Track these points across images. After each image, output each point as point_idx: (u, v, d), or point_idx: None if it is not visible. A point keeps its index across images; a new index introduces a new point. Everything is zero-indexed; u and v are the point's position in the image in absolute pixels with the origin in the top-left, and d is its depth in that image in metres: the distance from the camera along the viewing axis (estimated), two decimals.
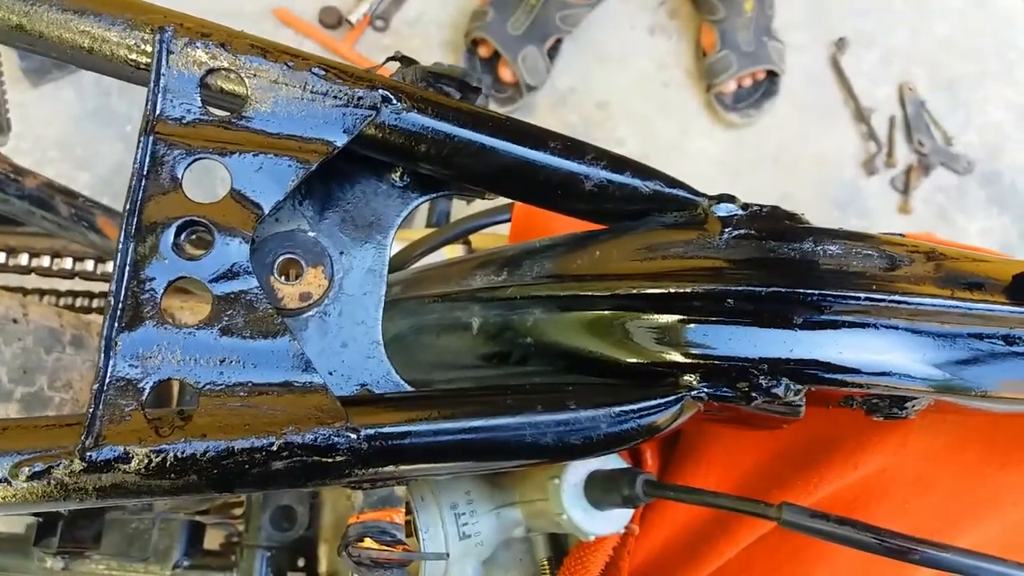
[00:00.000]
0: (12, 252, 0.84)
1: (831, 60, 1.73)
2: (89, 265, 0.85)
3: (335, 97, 0.37)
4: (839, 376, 0.36)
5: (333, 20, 1.59)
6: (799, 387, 0.37)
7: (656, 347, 0.37)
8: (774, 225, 0.39)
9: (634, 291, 0.38)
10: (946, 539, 0.49)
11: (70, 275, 0.86)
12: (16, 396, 0.70)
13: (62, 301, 0.93)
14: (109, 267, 0.87)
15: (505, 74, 1.54)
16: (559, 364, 0.40)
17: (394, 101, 0.38)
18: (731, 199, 0.40)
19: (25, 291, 0.95)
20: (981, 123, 1.75)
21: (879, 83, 1.74)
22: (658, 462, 0.47)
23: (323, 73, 0.37)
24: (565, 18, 1.53)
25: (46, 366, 0.72)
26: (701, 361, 0.37)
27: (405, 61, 0.45)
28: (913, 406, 0.39)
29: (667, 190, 0.40)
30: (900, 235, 0.41)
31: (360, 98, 0.37)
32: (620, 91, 1.65)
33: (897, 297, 0.36)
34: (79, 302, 0.93)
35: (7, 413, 0.69)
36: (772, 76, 1.61)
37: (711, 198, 0.40)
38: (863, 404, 0.40)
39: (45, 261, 0.84)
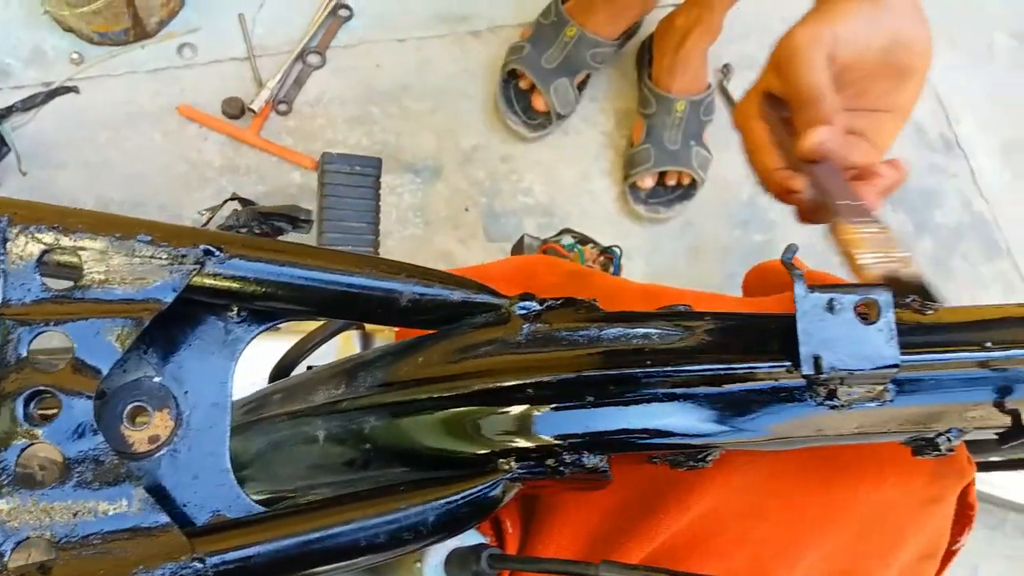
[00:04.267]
0: None
1: (719, 87, 1.83)
2: None
3: (160, 258, 0.42)
4: (630, 440, 0.42)
5: (236, 110, 1.63)
6: (599, 456, 0.42)
7: (473, 439, 0.42)
8: (565, 316, 0.44)
9: (448, 393, 0.43)
10: (791, 558, 0.55)
11: None
12: None
13: None
14: None
15: (539, 103, 1.67)
16: (397, 464, 0.44)
17: (216, 253, 0.42)
18: (530, 297, 0.45)
19: None
20: None
21: None
22: (518, 529, 0.52)
23: (148, 239, 0.42)
24: (595, 55, 1.66)
25: None
26: (511, 445, 0.42)
27: (242, 202, 0.50)
28: (706, 456, 0.44)
29: (473, 296, 0.46)
30: (686, 307, 0.46)
31: (183, 256, 0.42)
32: (522, 144, 1.72)
33: (670, 369, 0.42)
34: None
35: None
36: (693, 183, 1.68)
37: (512, 299, 0.45)
38: (666, 460, 0.45)
39: None
